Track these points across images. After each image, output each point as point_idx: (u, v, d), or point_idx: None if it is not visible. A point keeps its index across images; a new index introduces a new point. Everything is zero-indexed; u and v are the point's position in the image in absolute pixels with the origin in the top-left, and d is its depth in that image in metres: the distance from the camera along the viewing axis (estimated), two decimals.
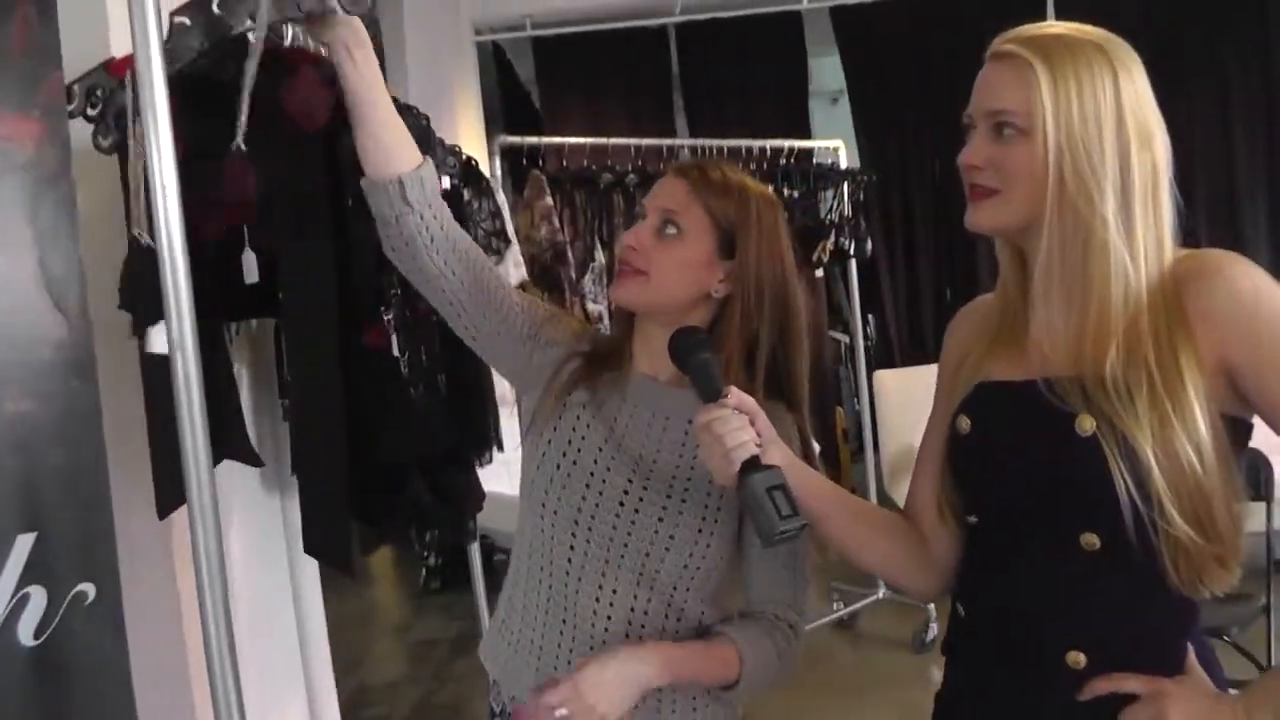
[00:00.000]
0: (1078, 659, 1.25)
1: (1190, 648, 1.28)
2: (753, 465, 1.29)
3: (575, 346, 1.64)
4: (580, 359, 1.61)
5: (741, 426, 1.30)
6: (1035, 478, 1.26)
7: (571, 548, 1.51)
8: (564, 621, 1.52)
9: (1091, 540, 1.22)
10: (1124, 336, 1.21)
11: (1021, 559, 1.30)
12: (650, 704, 1.49)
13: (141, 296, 1.76)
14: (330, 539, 2.05)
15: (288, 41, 1.92)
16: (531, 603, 1.57)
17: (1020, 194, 1.24)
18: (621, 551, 1.49)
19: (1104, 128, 1.20)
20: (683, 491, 1.51)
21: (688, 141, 5.55)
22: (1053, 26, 1.25)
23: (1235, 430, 1.21)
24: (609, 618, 1.50)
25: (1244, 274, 1.19)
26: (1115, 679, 1.23)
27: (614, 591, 1.50)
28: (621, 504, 1.50)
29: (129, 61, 1.41)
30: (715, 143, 4.44)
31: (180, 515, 1.82)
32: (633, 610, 1.50)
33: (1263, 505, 3.20)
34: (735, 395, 1.33)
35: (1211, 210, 6.13)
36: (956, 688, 1.42)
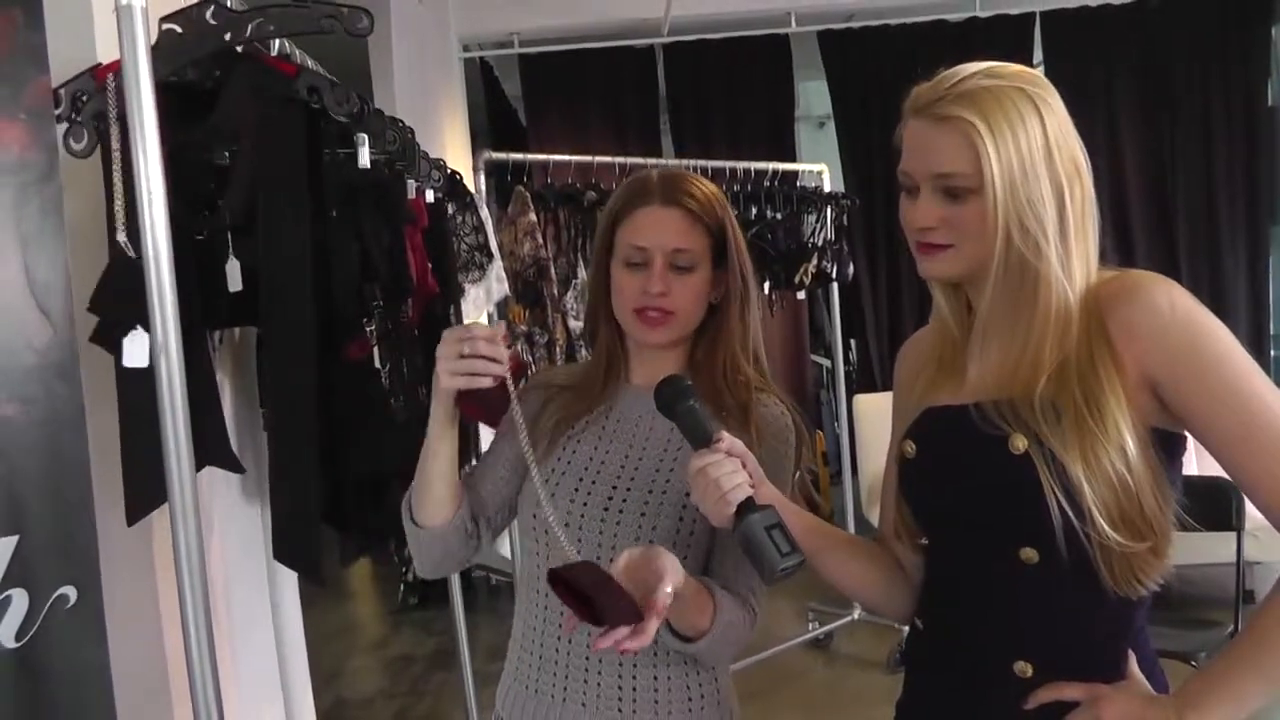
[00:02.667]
0: (1025, 668, 1.29)
1: (1131, 655, 1.31)
2: (749, 506, 1.31)
3: (553, 381, 1.69)
4: (562, 396, 1.64)
5: (735, 470, 1.33)
6: (975, 496, 1.31)
7: (565, 561, 1.53)
8: (560, 626, 1.54)
9: (1030, 554, 1.26)
10: (1053, 361, 1.26)
11: (968, 575, 1.35)
12: (648, 700, 1.52)
13: (121, 304, 1.77)
14: (299, 546, 2.05)
15: (273, 51, 1.94)
16: (530, 626, 1.60)
17: (971, 246, 1.28)
18: (610, 555, 1.51)
19: (1041, 175, 1.24)
20: (664, 485, 1.53)
21: (673, 161, 5.58)
22: (975, 76, 1.26)
23: (1167, 443, 1.25)
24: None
25: (1162, 292, 1.24)
26: (1056, 688, 1.27)
27: None
28: (606, 509, 1.53)
29: (116, 68, 1.41)
30: (700, 163, 4.46)
31: (161, 521, 1.83)
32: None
33: (1233, 535, 3.24)
34: (727, 440, 1.36)
35: (1191, 234, 6.21)
36: (914, 698, 1.47)
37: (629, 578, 1.30)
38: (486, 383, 1.45)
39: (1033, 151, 1.23)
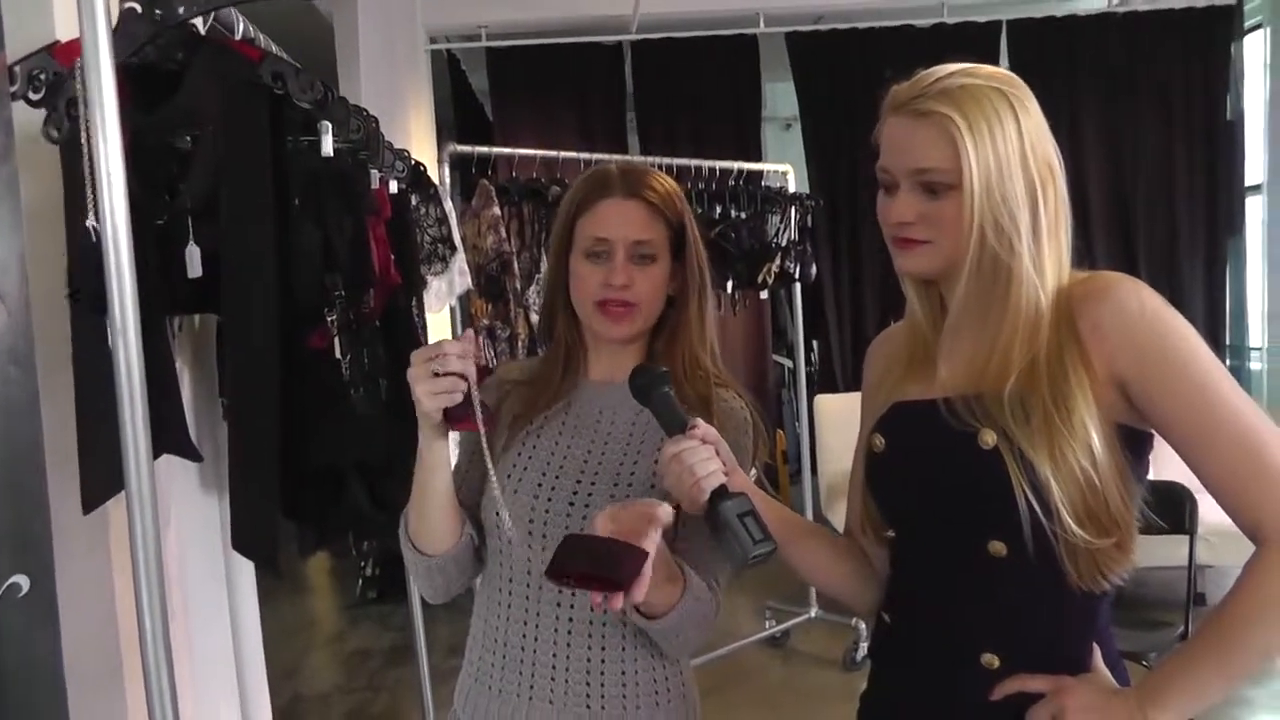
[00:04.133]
0: (991, 660, 1.31)
1: (1096, 648, 1.34)
2: (722, 494, 1.32)
3: (507, 377, 1.68)
4: (518, 391, 1.64)
5: (710, 456, 1.34)
6: (943, 490, 1.33)
7: (529, 559, 1.52)
8: (525, 624, 1.53)
9: (998, 548, 1.28)
10: (1023, 359, 1.28)
11: (936, 568, 1.37)
12: (615, 695, 1.52)
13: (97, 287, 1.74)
14: (257, 537, 2.03)
15: (238, 35, 1.92)
16: (492, 626, 1.58)
17: (949, 242, 1.30)
18: None
19: (1016, 175, 1.26)
20: (629, 477, 1.53)
21: (638, 158, 5.58)
22: (953, 75, 1.29)
23: (1134, 441, 1.28)
24: (570, 619, 1.52)
25: (1131, 292, 1.27)
26: (1022, 679, 1.30)
27: (574, 594, 1.51)
28: (571, 504, 1.52)
29: (76, 47, 1.39)
30: (665, 160, 4.46)
31: (118, 510, 1.80)
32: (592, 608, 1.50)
33: (1185, 539, 3.29)
34: (701, 427, 1.37)
35: (1151, 242, 6.30)
36: (880, 690, 1.48)
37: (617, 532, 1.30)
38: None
39: (1009, 151, 1.26)
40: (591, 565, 1.26)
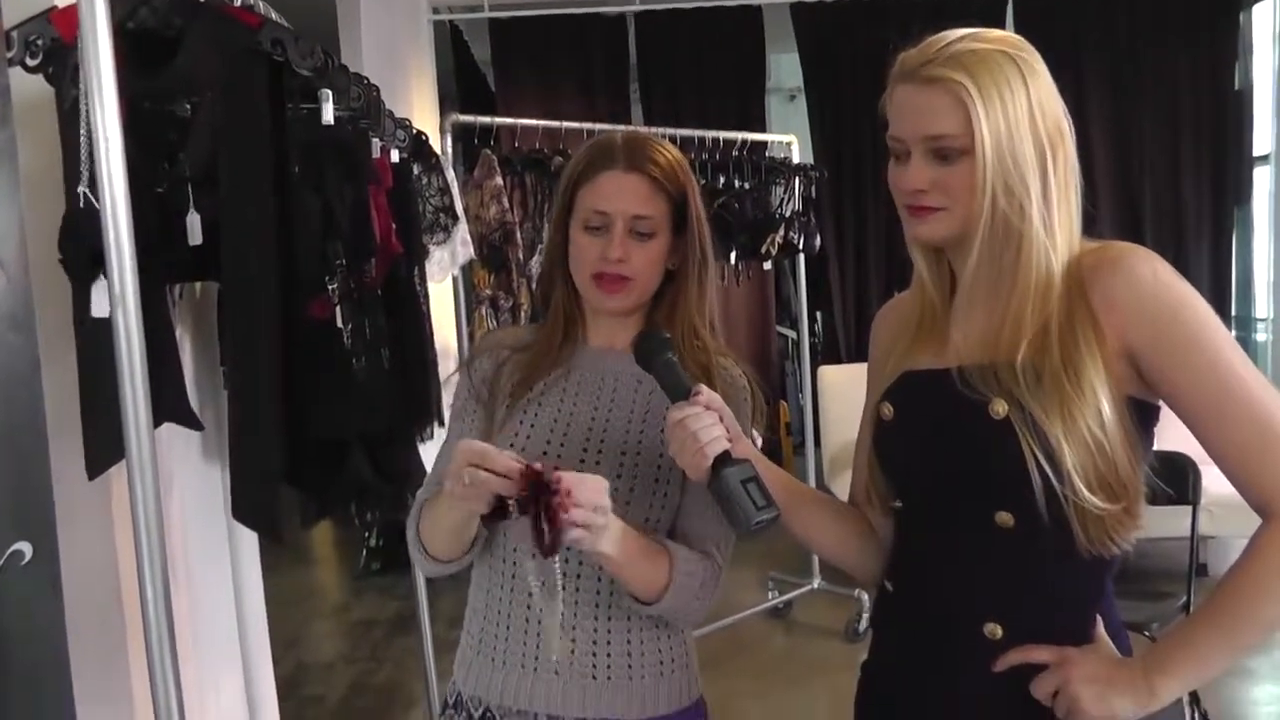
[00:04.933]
0: (995, 630, 1.31)
1: (1099, 619, 1.33)
2: (726, 460, 1.32)
3: (503, 344, 1.65)
4: (516, 358, 1.62)
5: (714, 423, 1.34)
6: (952, 460, 1.33)
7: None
8: (530, 594, 1.50)
9: (1006, 519, 1.28)
10: (1034, 326, 1.27)
11: (942, 538, 1.37)
12: (621, 665, 1.52)
13: (83, 254, 1.74)
14: (258, 506, 2.03)
15: (237, 1, 1.91)
16: (495, 597, 1.57)
17: (962, 209, 1.28)
18: None
19: (1025, 138, 1.25)
20: (636, 446, 1.52)
21: (642, 129, 5.55)
22: (961, 40, 1.28)
23: (1142, 413, 1.28)
24: (576, 589, 1.51)
25: (1144, 263, 1.26)
26: (1026, 650, 1.30)
27: (580, 563, 1.50)
28: (579, 471, 1.51)
29: (74, 13, 1.38)
30: (669, 131, 4.44)
31: (120, 478, 1.80)
32: (601, 570, 1.49)
33: (1188, 510, 3.29)
34: (706, 394, 1.36)
35: (1156, 214, 6.27)
36: (882, 659, 1.48)
37: None
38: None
39: (1018, 114, 1.25)
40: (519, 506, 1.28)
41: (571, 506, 1.28)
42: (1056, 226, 1.28)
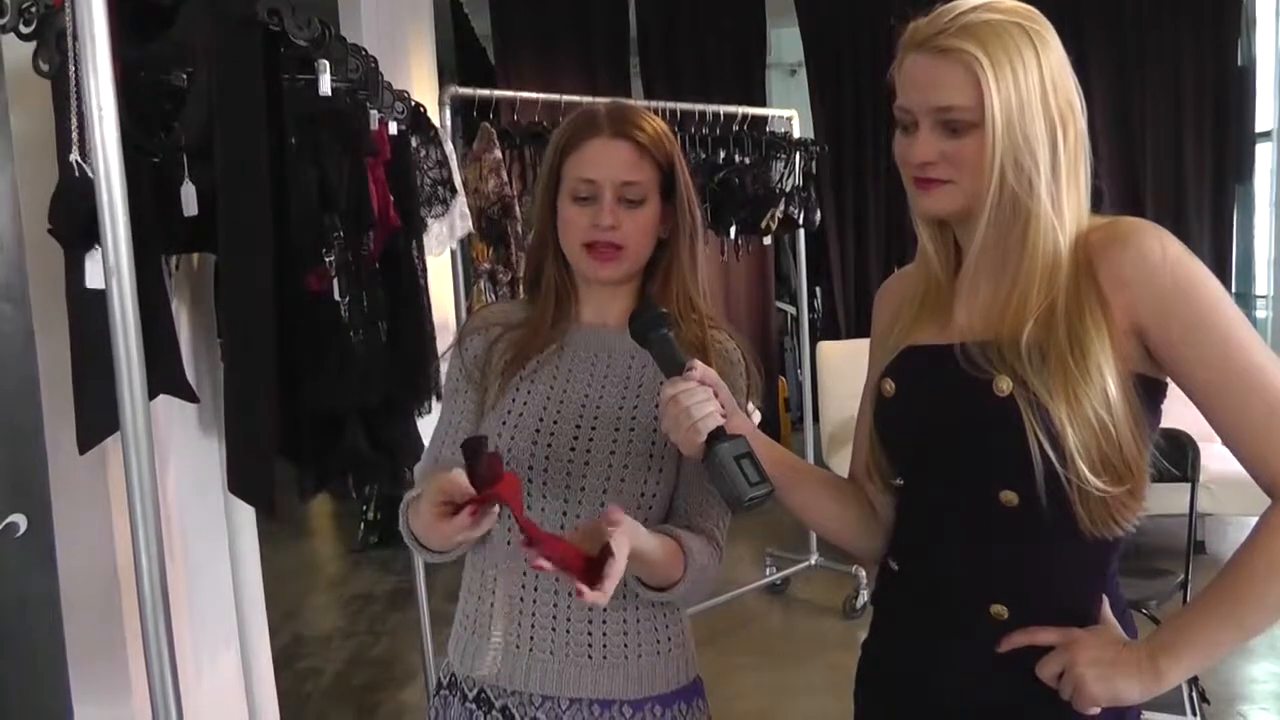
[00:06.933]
0: (1000, 611, 1.29)
1: (1105, 600, 1.32)
2: (719, 435, 1.31)
3: (494, 321, 1.63)
4: (508, 335, 1.60)
5: (707, 398, 1.32)
6: (955, 438, 1.31)
7: (528, 507, 1.50)
8: (524, 574, 1.51)
9: (1010, 497, 1.26)
10: (1040, 303, 1.25)
11: (945, 517, 1.34)
12: (618, 645, 1.51)
13: (75, 223, 1.72)
14: (254, 479, 2.02)
15: None
16: (489, 576, 1.56)
17: (970, 181, 1.26)
18: (579, 496, 1.49)
19: (1036, 112, 1.23)
20: (630, 422, 1.51)
21: (642, 103, 5.52)
22: (975, 10, 1.25)
23: (1149, 390, 1.26)
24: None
25: (1153, 238, 1.24)
26: (1031, 632, 1.28)
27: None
28: (573, 449, 1.50)
29: None
30: (669, 105, 4.42)
31: (116, 450, 1.80)
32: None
33: (1187, 487, 3.28)
34: (700, 369, 1.35)
35: (1158, 191, 6.25)
36: (884, 637, 1.46)
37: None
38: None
39: (1030, 87, 1.22)
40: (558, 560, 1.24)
41: (606, 581, 1.24)
42: (1065, 202, 1.25)
